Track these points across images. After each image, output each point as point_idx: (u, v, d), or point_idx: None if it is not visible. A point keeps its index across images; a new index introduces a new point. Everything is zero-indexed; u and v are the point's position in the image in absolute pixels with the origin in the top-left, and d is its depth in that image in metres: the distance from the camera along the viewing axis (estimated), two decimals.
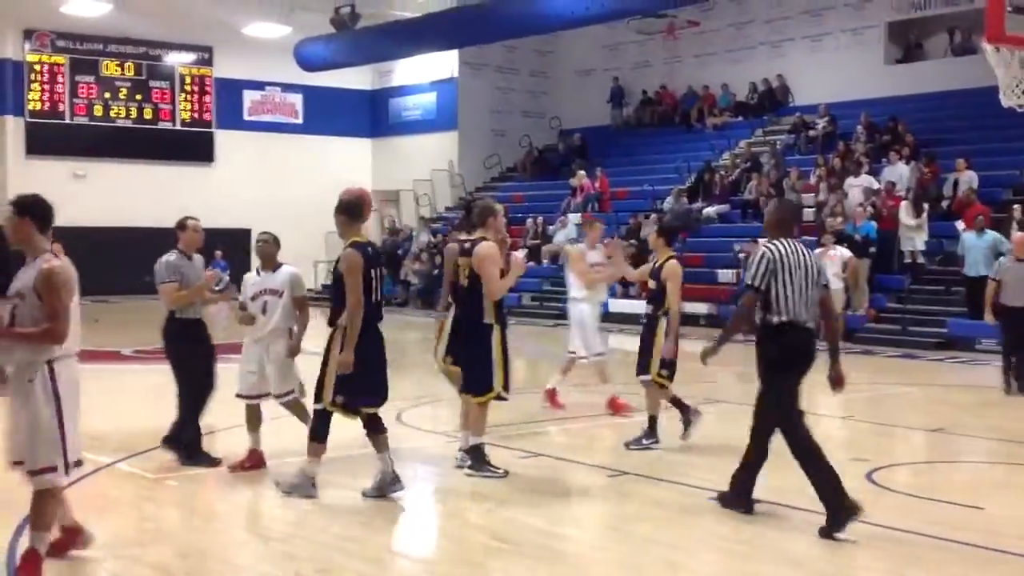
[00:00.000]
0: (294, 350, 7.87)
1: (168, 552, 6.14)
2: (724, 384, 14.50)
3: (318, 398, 7.10)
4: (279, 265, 8.00)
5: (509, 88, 31.00)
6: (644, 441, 8.87)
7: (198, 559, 6.01)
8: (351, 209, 7.20)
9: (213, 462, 7.98)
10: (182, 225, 8.16)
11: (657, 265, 8.92)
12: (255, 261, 8.38)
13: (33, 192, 5.54)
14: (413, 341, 20.78)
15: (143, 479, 7.78)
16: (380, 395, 7.22)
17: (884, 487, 7.72)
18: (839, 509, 6.33)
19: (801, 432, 6.56)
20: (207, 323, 8.18)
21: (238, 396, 7.96)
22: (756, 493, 6.94)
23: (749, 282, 6.64)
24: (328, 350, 7.08)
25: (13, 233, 5.36)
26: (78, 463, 5.47)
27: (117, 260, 22.33)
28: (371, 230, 30.45)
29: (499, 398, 7.83)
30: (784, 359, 6.61)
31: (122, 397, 11.56)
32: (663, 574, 5.97)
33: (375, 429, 7.24)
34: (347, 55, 27.10)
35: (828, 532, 6.33)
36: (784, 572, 5.87)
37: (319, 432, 7.16)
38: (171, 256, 8.01)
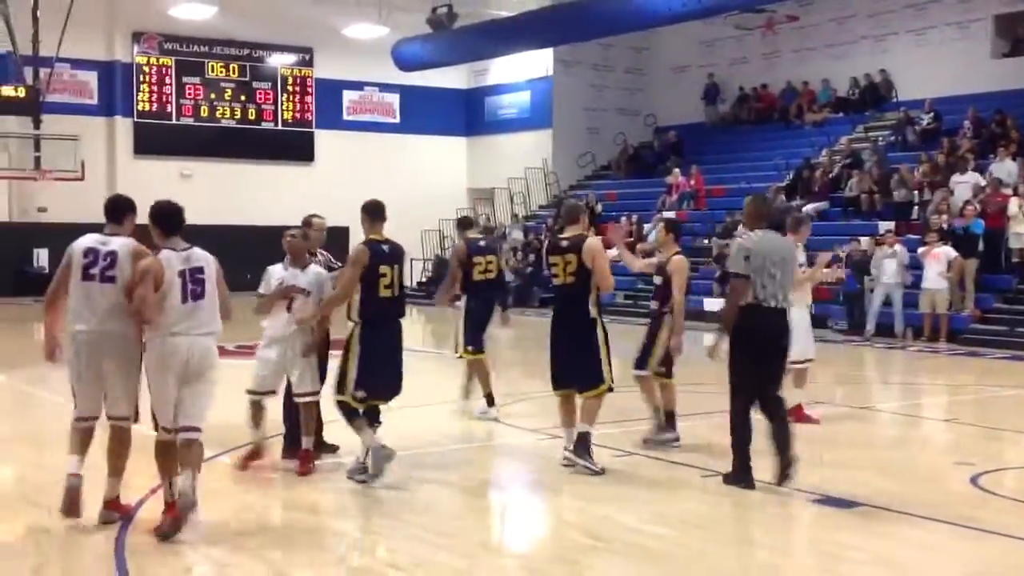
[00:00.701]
0: (309, 348, 7.74)
1: (268, 541, 6.28)
2: (824, 386, 14.26)
3: (339, 390, 7.33)
4: (307, 263, 7.93)
5: (604, 86, 30.89)
6: (665, 436, 8.70)
7: (297, 550, 6.13)
8: (371, 210, 7.57)
9: (331, 449, 8.17)
10: (307, 222, 8.27)
11: (663, 260, 8.79)
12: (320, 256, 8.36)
13: (165, 199, 6.46)
14: (504, 339, 20.87)
15: (243, 471, 7.96)
16: (393, 389, 7.46)
17: (990, 491, 7.51)
18: (743, 477, 7.34)
19: (741, 404, 7.41)
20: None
21: (247, 392, 7.97)
22: (864, 496, 6.97)
23: (733, 271, 7.29)
24: (348, 344, 7.33)
25: (152, 235, 6.39)
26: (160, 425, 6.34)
27: (221, 257, 22.80)
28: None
29: (609, 390, 7.87)
30: (749, 336, 7.25)
31: (224, 391, 11.80)
32: None
33: (372, 419, 7.45)
34: (443, 54, 27.33)
35: (728, 480, 7.44)
36: None
37: (353, 418, 7.39)
38: None
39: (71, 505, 6.21)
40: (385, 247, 7.42)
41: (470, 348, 9.79)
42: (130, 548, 5.98)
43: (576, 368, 7.79)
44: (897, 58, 25.51)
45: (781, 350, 7.45)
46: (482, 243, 10.04)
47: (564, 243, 7.88)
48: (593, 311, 7.75)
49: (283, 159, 29.53)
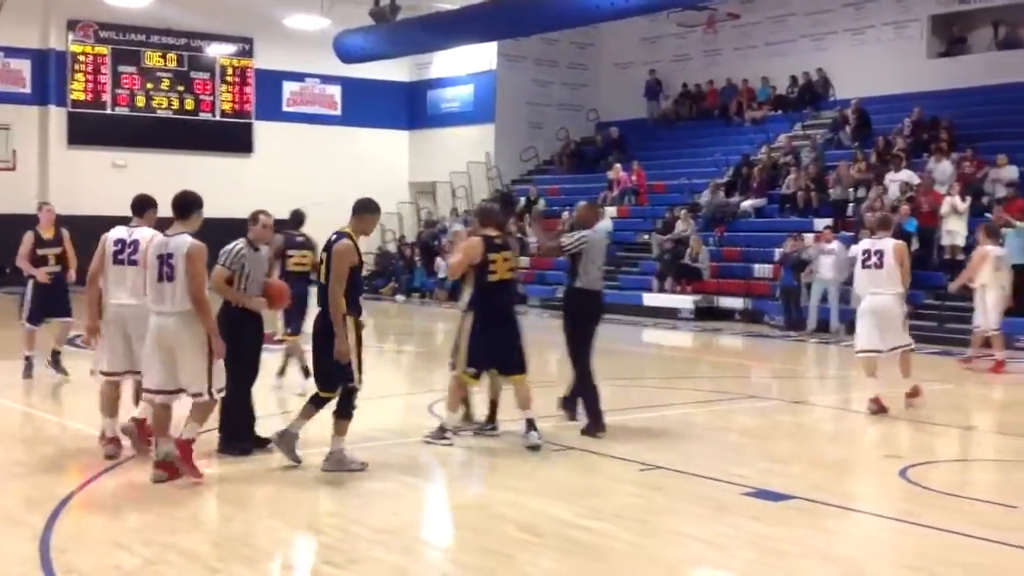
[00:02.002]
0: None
1: (201, 540, 6.20)
2: (760, 381, 14.45)
3: None
4: None
5: (547, 81, 30.93)
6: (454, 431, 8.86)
7: (230, 547, 6.06)
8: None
9: (263, 443, 8.12)
10: (254, 218, 8.45)
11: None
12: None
13: (186, 189, 7.42)
14: (443, 332, 20.84)
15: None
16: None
17: (918, 484, 7.64)
18: (597, 422, 9.05)
19: (585, 365, 9.15)
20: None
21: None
22: (796, 489, 7.11)
23: (565, 244, 9.34)
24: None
25: None
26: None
27: None
28: (407, 221, 30.66)
29: None
30: (580, 313, 9.24)
31: None
32: (694, 569, 5.96)
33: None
34: (386, 47, 27.15)
35: (586, 432, 9.03)
36: (818, 569, 5.84)
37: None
38: (239, 244, 8.13)
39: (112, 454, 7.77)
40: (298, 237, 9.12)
41: (288, 331, 11.03)
42: (56, 547, 5.86)
43: (518, 354, 8.60)
44: (835, 57, 25.85)
45: (598, 322, 9.35)
46: (299, 239, 11.11)
47: (499, 241, 8.55)
48: None
49: (221, 150, 29.12)
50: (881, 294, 10.49)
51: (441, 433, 8.67)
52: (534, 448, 8.39)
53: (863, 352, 10.63)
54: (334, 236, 7.59)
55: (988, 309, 13.80)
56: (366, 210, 7.82)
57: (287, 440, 7.70)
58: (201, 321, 7.13)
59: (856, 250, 11.04)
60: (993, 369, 13.84)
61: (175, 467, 7.19)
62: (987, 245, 13.25)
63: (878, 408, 10.33)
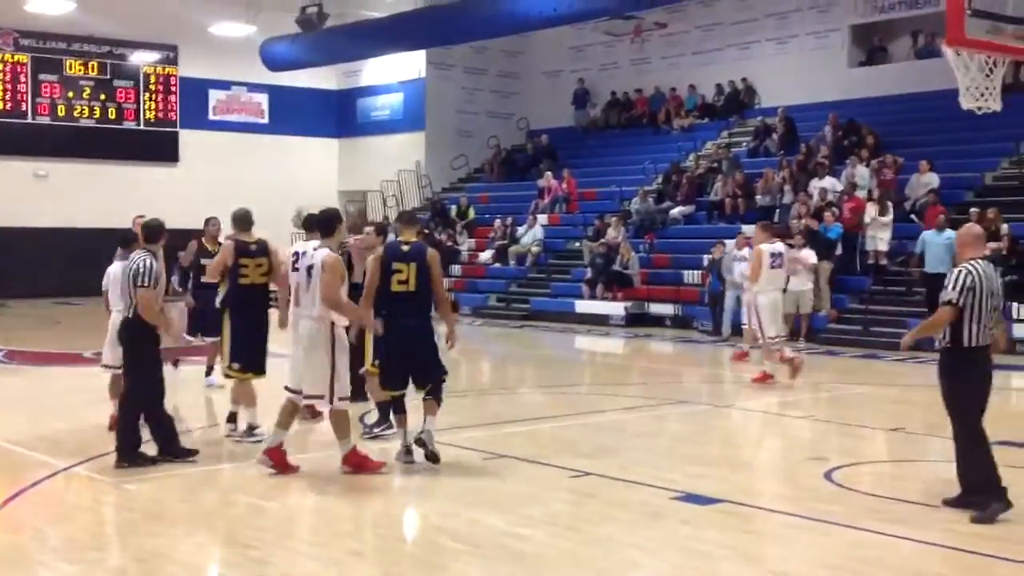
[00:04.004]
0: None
1: (126, 556, 6.09)
2: (690, 386, 14.60)
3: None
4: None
5: (476, 89, 30.97)
6: (375, 430, 9.23)
7: (156, 563, 5.95)
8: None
9: (190, 453, 8.21)
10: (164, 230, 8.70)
11: None
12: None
13: (325, 208, 8.43)
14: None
15: (101, 483, 7.71)
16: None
17: (843, 486, 7.78)
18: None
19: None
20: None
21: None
22: (725, 493, 7.13)
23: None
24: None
25: None
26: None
27: (79, 261, 22.04)
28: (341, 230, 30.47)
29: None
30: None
31: (81, 400, 11.43)
32: (624, 573, 5.99)
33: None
34: (313, 55, 26.97)
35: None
36: (744, 570, 5.91)
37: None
38: (146, 258, 8.18)
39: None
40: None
41: (199, 335, 11.81)
42: None
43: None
44: (760, 66, 26.26)
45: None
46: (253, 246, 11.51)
47: (253, 247, 9.26)
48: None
49: (146, 159, 28.64)
50: (779, 290, 13.13)
51: (250, 431, 9.02)
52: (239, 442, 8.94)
53: (778, 337, 12.99)
54: (408, 247, 8.14)
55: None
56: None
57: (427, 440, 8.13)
58: (345, 316, 7.93)
59: (767, 251, 12.88)
60: (736, 357, 15.37)
61: (360, 461, 7.90)
62: (762, 244, 13.48)
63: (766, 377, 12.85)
